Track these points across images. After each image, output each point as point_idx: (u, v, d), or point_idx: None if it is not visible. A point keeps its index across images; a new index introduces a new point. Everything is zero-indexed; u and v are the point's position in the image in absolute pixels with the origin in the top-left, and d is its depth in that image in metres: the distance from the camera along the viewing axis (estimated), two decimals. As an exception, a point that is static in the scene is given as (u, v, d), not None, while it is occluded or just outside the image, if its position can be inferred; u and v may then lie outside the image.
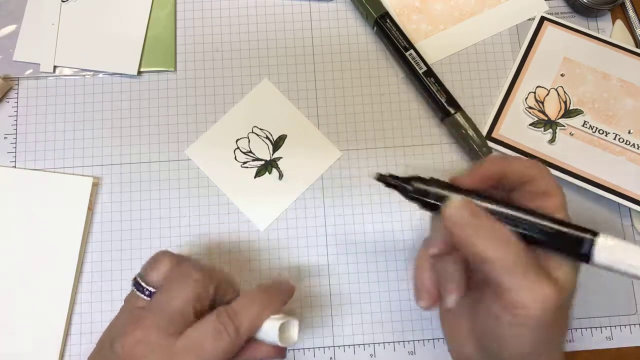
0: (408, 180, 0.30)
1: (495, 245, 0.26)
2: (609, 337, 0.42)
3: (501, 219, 0.28)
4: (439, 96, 0.44)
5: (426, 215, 0.44)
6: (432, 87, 0.44)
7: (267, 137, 0.45)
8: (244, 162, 0.45)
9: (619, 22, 0.48)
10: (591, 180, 0.43)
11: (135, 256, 0.43)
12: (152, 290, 0.32)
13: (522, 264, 0.26)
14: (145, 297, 0.32)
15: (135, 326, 0.30)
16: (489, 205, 0.28)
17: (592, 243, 0.27)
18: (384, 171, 0.31)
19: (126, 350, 0.29)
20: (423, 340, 0.42)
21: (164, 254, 0.33)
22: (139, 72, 0.46)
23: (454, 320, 0.32)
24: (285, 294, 0.33)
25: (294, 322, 0.32)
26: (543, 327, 0.26)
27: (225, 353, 0.30)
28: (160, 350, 0.29)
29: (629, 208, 0.44)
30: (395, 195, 0.44)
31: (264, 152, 0.45)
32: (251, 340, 0.32)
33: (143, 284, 0.32)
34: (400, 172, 0.32)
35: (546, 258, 0.28)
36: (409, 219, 0.44)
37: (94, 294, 0.42)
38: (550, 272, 0.27)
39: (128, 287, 0.42)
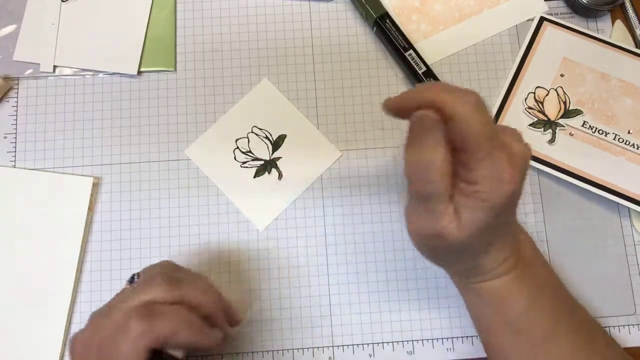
0: None
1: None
2: (608, 337, 0.42)
3: None
4: (438, 96, 0.44)
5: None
6: (431, 87, 0.44)
7: (266, 137, 0.45)
8: (244, 162, 0.45)
9: (619, 23, 0.48)
10: (591, 180, 0.43)
11: (135, 256, 0.43)
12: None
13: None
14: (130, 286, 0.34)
15: (82, 332, 0.32)
16: None
17: None
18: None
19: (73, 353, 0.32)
20: (422, 340, 0.42)
21: (158, 275, 0.33)
22: (139, 72, 0.46)
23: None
24: (206, 340, 0.32)
25: None
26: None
27: (130, 356, 0.29)
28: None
29: (628, 208, 0.44)
30: (395, 195, 0.44)
31: (263, 152, 0.45)
32: None
33: (136, 278, 0.34)
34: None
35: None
36: (409, 219, 0.44)
37: (93, 293, 0.42)
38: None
39: (128, 287, 0.42)
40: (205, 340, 0.32)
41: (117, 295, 0.33)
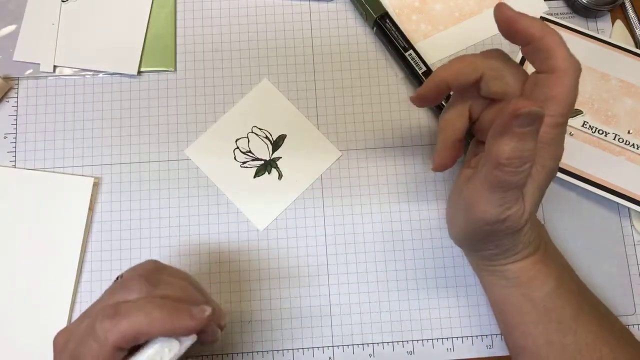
0: None
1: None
2: (608, 337, 0.42)
3: None
4: (438, 96, 0.44)
5: (426, 215, 0.44)
6: (431, 88, 0.44)
7: (266, 137, 0.45)
8: (244, 162, 0.45)
9: (619, 23, 0.48)
10: (590, 181, 0.43)
11: (135, 256, 0.43)
12: None
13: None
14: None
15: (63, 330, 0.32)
16: None
17: None
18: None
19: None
20: (422, 340, 0.42)
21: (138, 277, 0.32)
22: (139, 72, 0.46)
23: (454, 203, 0.37)
24: (190, 320, 0.30)
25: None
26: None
27: (93, 357, 0.28)
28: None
29: (628, 208, 0.44)
30: (395, 195, 0.44)
31: (263, 152, 0.45)
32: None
33: (119, 279, 0.33)
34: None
35: None
36: (409, 219, 0.44)
37: (94, 293, 0.42)
38: None
39: (128, 287, 0.42)
40: (187, 321, 0.29)
41: (103, 293, 0.33)
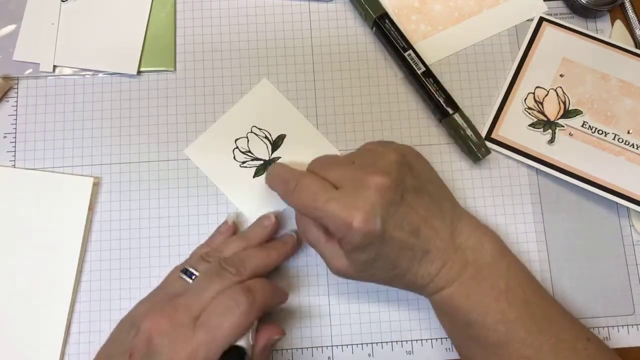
0: None
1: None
2: (606, 338, 0.42)
3: None
4: (437, 96, 0.44)
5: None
6: (430, 88, 0.44)
7: (266, 137, 0.45)
8: (243, 162, 0.45)
9: (618, 23, 0.48)
10: (590, 180, 0.43)
11: (135, 255, 0.43)
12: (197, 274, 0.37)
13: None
14: (189, 280, 0.37)
15: (163, 314, 0.33)
16: None
17: None
18: None
19: (146, 335, 0.33)
20: (421, 340, 0.42)
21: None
22: (139, 72, 0.46)
23: None
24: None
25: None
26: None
27: (239, 327, 0.33)
28: (178, 339, 0.32)
29: (628, 208, 0.44)
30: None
31: (263, 151, 0.45)
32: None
33: (192, 269, 0.37)
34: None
35: None
36: (408, 219, 0.44)
37: (93, 293, 0.42)
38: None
39: (128, 287, 0.42)
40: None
41: (170, 286, 0.37)
